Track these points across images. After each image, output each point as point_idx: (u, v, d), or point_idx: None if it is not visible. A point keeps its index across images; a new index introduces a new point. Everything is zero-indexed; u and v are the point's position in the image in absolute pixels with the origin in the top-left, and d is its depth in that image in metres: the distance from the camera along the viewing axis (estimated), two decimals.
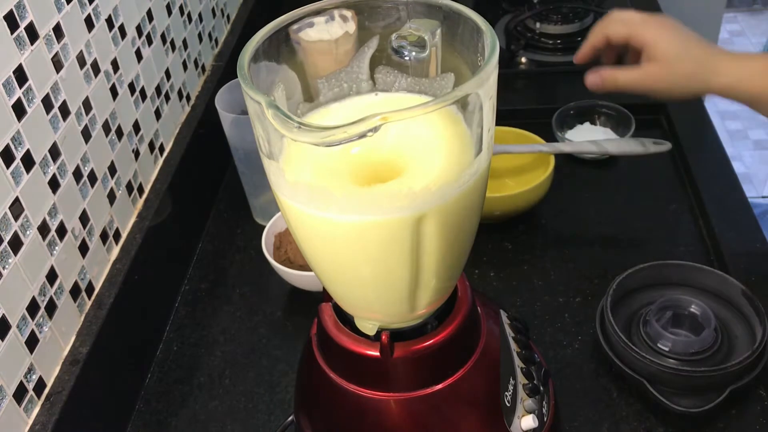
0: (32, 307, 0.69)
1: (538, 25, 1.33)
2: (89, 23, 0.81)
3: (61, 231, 0.74)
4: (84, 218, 0.78)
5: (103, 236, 0.82)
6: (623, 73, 0.80)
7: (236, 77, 0.46)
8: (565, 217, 0.99)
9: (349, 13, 0.53)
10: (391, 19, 0.53)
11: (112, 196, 0.84)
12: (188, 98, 1.07)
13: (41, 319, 0.70)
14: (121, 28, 0.88)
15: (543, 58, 1.29)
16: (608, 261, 0.92)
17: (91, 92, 0.80)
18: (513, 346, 0.64)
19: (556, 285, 0.90)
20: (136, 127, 0.91)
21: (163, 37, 0.99)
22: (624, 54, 0.84)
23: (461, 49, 0.51)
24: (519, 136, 1.01)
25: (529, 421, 0.60)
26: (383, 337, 0.54)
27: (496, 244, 0.96)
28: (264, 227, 0.92)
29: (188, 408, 0.82)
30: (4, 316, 0.65)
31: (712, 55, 0.77)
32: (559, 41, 1.31)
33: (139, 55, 0.92)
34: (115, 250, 0.85)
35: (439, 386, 0.57)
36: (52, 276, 0.72)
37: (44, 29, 0.72)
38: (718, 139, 1.08)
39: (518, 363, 0.63)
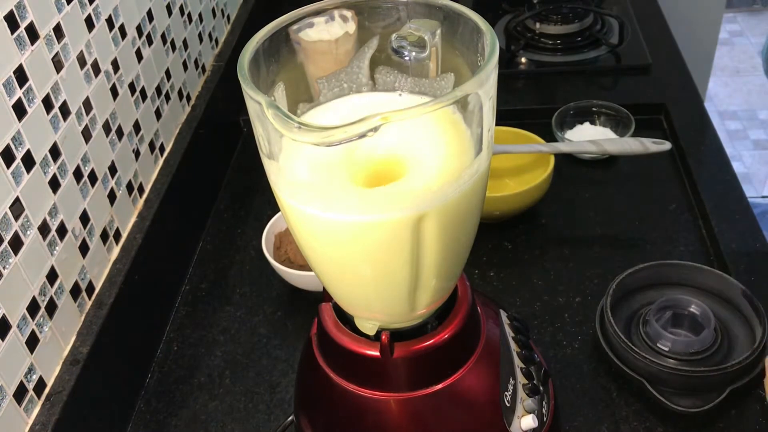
0: (32, 307, 0.69)
1: (538, 25, 1.33)
2: (89, 23, 0.81)
3: (62, 231, 0.74)
4: (84, 218, 0.78)
5: (104, 236, 0.82)
6: None
7: (236, 77, 0.46)
8: (565, 217, 0.99)
9: (349, 13, 0.53)
10: (391, 19, 0.53)
11: (112, 196, 0.84)
12: (188, 98, 1.07)
13: (41, 319, 0.70)
14: (122, 29, 0.88)
15: (543, 58, 1.29)
16: (608, 261, 0.92)
17: (91, 92, 0.80)
18: (513, 346, 0.64)
19: (556, 285, 0.90)
20: (137, 127, 0.91)
21: (163, 37, 0.99)
22: None
23: (461, 50, 0.51)
24: (519, 136, 1.01)
25: (528, 421, 0.60)
26: (383, 337, 0.54)
27: (496, 244, 0.96)
28: (264, 227, 0.93)
29: (188, 408, 0.82)
30: (4, 316, 0.65)
31: None
32: (559, 41, 1.31)
33: (139, 55, 0.92)
34: (116, 250, 0.85)
35: (439, 386, 0.57)
36: (52, 276, 0.72)
37: (44, 29, 0.72)
38: (718, 139, 1.08)
39: (518, 363, 0.63)
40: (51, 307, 0.72)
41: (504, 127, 1.01)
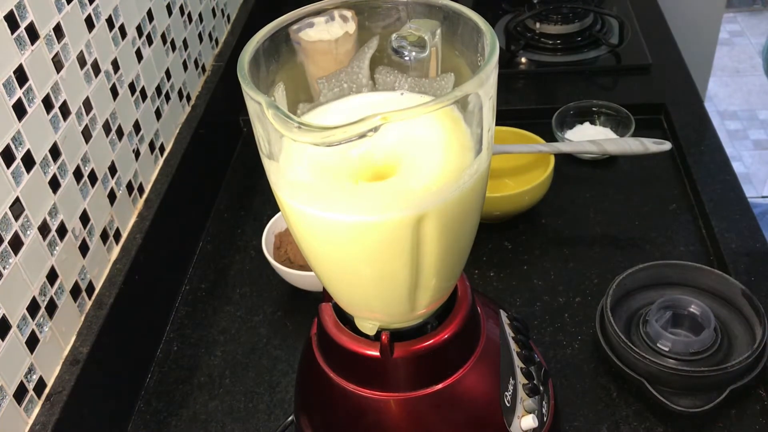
0: (33, 307, 0.69)
1: (538, 25, 1.33)
2: (89, 23, 0.81)
3: (62, 231, 0.74)
4: (84, 218, 0.78)
5: (104, 236, 0.82)
6: None
7: (236, 77, 0.46)
8: (565, 217, 0.99)
9: (349, 13, 0.53)
10: (391, 19, 0.53)
11: (112, 196, 0.84)
12: (188, 98, 1.07)
13: (41, 319, 0.70)
14: (122, 28, 0.88)
15: (543, 58, 1.29)
16: (608, 261, 0.92)
17: (91, 92, 0.80)
18: (513, 346, 0.64)
19: (556, 285, 0.90)
20: (137, 127, 0.91)
21: (163, 37, 0.99)
22: None
23: (461, 49, 0.51)
24: (519, 136, 1.01)
25: (529, 421, 0.60)
26: (383, 337, 0.54)
27: (496, 244, 0.96)
28: (264, 227, 0.93)
29: (188, 408, 0.82)
30: (4, 316, 0.65)
31: None
32: (559, 41, 1.31)
33: (139, 55, 0.92)
34: (116, 250, 0.85)
35: (439, 386, 0.57)
36: (52, 276, 0.72)
37: (44, 29, 0.72)
38: (718, 139, 1.08)
39: (518, 363, 0.63)
40: (51, 307, 0.72)
41: (504, 127, 1.01)
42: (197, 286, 0.96)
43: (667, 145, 0.92)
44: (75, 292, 0.76)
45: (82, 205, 0.78)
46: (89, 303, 0.79)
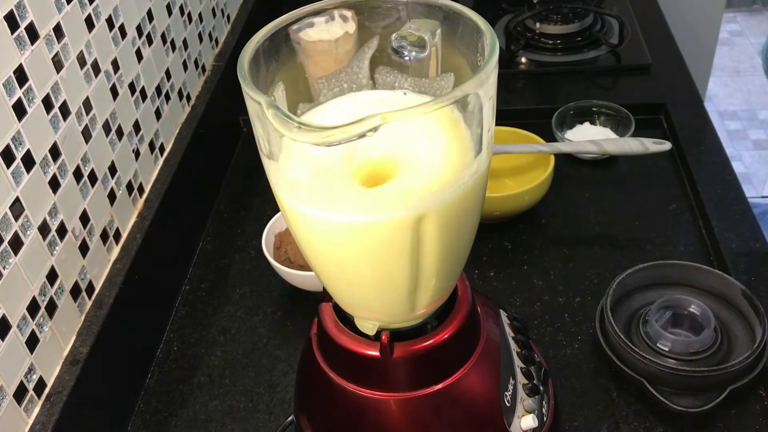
0: (32, 307, 0.69)
1: (538, 25, 1.33)
2: (89, 23, 0.81)
3: (62, 231, 0.74)
4: (84, 218, 0.78)
5: (104, 236, 0.82)
6: None
7: (236, 77, 0.46)
8: (565, 217, 0.99)
9: (349, 13, 0.53)
10: (391, 19, 0.53)
11: (112, 196, 0.84)
12: (188, 98, 1.07)
13: (41, 319, 0.70)
14: (122, 28, 0.88)
15: (543, 58, 1.29)
16: (608, 261, 0.92)
17: (91, 92, 0.80)
18: (513, 346, 0.64)
19: (556, 285, 0.90)
20: (137, 127, 0.91)
21: (163, 37, 0.99)
22: None
23: (461, 49, 0.51)
24: (519, 136, 1.01)
25: (528, 420, 0.60)
26: (383, 337, 0.54)
27: (496, 244, 0.96)
28: (264, 227, 0.93)
29: (188, 408, 0.82)
30: (4, 316, 0.65)
31: None
32: (559, 41, 1.31)
33: (139, 55, 0.92)
34: (115, 250, 0.85)
35: (439, 386, 0.57)
36: (52, 276, 0.72)
37: (44, 29, 0.72)
38: (718, 139, 1.08)
39: (518, 363, 0.63)
40: (51, 307, 0.72)
41: (504, 127, 1.01)
42: (197, 286, 0.96)
43: (667, 145, 0.92)
44: (75, 292, 0.76)
45: (82, 205, 0.78)
46: (89, 303, 0.79)
